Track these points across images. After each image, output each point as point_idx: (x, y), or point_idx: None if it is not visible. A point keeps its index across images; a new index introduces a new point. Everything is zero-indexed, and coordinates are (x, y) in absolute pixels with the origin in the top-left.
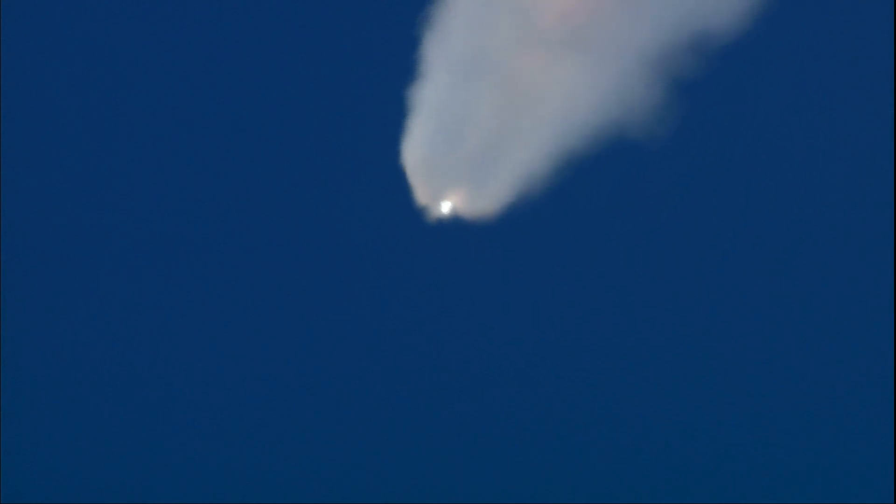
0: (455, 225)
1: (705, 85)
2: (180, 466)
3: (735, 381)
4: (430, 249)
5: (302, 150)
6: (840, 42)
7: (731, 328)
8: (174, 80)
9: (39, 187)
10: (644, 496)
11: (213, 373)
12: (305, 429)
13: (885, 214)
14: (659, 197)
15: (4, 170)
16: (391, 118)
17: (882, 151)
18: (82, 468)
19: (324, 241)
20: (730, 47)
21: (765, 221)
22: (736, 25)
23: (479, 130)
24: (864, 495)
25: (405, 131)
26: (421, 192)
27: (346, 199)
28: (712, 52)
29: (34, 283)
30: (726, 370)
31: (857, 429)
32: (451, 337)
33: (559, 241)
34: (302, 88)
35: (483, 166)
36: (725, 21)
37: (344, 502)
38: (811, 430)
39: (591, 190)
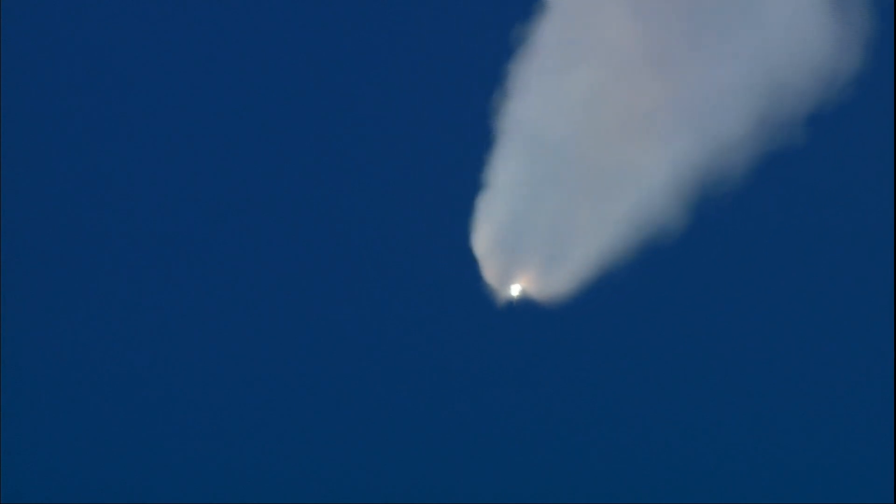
0: (525, 308)
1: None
2: (180, 466)
3: (735, 381)
4: (500, 333)
5: (373, 230)
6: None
7: (743, 335)
8: (203, 100)
9: (39, 187)
10: (645, 496)
11: (214, 374)
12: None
13: (885, 216)
14: (725, 278)
15: (4, 170)
16: (462, 199)
17: (882, 153)
18: (82, 468)
19: (391, 323)
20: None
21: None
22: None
23: (550, 213)
24: (864, 495)
25: (476, 213)
26: (491, 275)
27: (416, 280)
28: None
29: (34, 283)
30: (727, 371)
31: (857, 429)
32: (519, 422)
33: (629, 325)
34: (375, 169)
35: (554, 249)
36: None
37: (344, 502)
38: (811, 430)
39: (660, 274)
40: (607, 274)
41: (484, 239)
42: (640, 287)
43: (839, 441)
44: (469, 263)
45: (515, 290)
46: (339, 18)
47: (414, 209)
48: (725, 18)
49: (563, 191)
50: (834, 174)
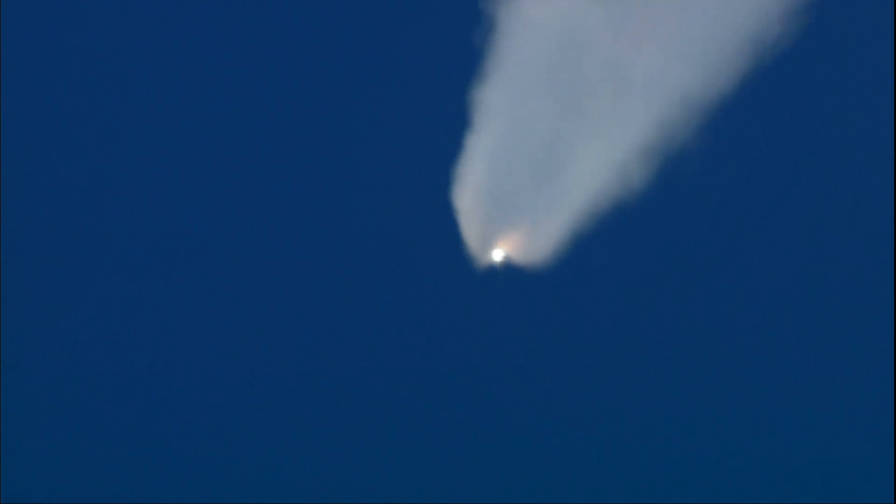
0: (507, 273)
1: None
2: (180, 466)
3: (736, 381)
4: (481, 298)
5: (352, 194)
6: (840, 42)
7: (747, 335)
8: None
9: (39, 187)
10: (646, 496)
11: (214, 374)
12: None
13: (885, 215)
14: (718, 240)
15: (4, 170)
16: (443, 163)
17: (882, 152)
18: (82, 468)
19: (371, 290)
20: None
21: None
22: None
23: (531, 176)
24: (865, 495)
25: (455, 170)
26: (472, 239)
27: (395, 245)
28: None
29: (34, 283)
30: (728, 371)
31: (857, 429)
32: (502, 389)
33: (613, 288)
34: (354, 133)
35: (536, 212)
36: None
37: (344, 502)
38: (811, 430)
39: (644, 235)
40: (596, 236)
41: (465, 202)
42: (623, 250)
43: (839, 441)
44: (448, 225)
45: (497, 255)
46: None
47: (393, 172)
48: None
49: (545, 154)
50: (833, 174)
